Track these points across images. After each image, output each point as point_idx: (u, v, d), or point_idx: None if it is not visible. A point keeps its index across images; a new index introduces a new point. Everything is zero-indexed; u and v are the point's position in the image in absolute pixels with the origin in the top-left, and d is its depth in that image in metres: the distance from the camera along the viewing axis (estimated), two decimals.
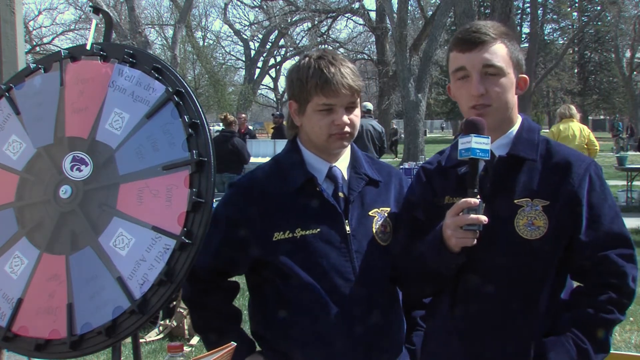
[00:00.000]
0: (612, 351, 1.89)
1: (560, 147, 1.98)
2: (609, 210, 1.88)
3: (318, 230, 2.00)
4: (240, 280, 2.24)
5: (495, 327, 1.88)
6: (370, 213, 2.07)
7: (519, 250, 1.86)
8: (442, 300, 2.00)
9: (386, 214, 2.10)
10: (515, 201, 1.87)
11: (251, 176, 2.18)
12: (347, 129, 2.01)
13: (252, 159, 13.68)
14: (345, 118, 1.99)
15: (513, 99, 1.92)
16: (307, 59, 2.05)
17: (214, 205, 2.06)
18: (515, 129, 1.96)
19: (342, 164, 2.10)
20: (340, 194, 2.05)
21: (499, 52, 1.87)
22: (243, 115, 16.15)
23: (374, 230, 2.06)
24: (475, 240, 1.79)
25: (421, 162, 13.06)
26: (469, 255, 1.84)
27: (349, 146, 2.14)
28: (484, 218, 1.76)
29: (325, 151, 2.07)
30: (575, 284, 1.98)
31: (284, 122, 17.10)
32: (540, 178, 1.88)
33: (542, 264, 1.87)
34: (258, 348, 2.16)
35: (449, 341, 1.95)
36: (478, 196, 1.78)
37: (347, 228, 2.02)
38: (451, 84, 1.97)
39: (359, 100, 2.06)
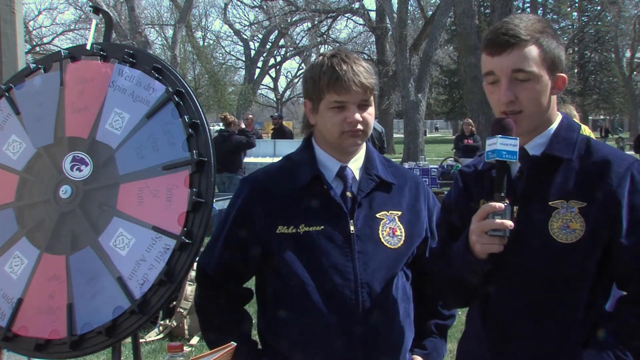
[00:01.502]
0: None
1: (600, 146, 1.84)
2: None
3: (322, 227, 1.99)
4: (250, 282, 2.21)
5: (528, 335, 1.79)
6: (377, 215, 2.05)
7: (554, 255, 1.75)
8: (475, 306, 1.93)
9: (396, 218, 2.08)
10: (550, 203, 1.76)
11: (262, 172, 2.18)
12: (359, 126, 2.00)
13: (252, 159, 13.71)
14: (358, 115, 1.98)
15: (547, 101, 1.80)
16: (320, 57, 2.06)
17: (215, 205, 2.05)
18: (553, 127, 1.84)
19: (355, 164, 2.09)
20: (348, 194, 2.04)
21: (530, 55, 1.74)
22: (250, 115, 16.19)
23: (381, 233, 2.05)
24: (502, 246, 1.70)
25: (421, 162, 12.99)
26: (501, 260, 1.74)
27: (365, 146, 2.13)
28: (509, 223, 1.67)
29: (338, 149, 2.06)
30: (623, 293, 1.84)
31: (283, 123, 17.16)
32: (577, 178, 1.77)
33: (579, 270, 1.75)
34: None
35: (481, 348, 1.88)
36: (506, 200, 1.69)
37: (352, 228, 2.01)
38: (484, 86, 1.87)
39: (372, 98, 2.04)
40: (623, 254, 1.73)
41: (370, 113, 2.03)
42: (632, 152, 15.59)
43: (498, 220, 1.67)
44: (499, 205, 1.67)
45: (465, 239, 1.77)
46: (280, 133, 16.15)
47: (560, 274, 1.75)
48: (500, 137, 1.71)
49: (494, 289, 1.83)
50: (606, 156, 1.78)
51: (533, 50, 1.75)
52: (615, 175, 1.74)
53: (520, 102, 1.75)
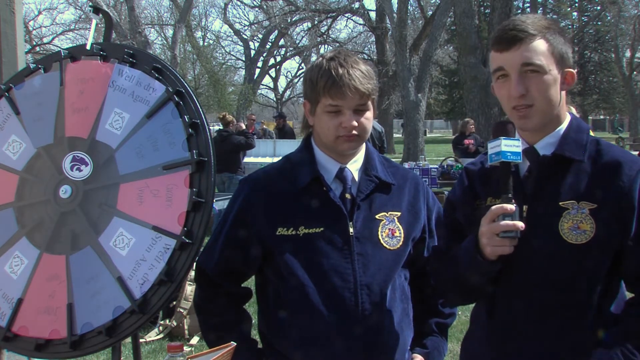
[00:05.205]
0: None
1: (611, 147, 1.85)
2: None
3: (321, 229, 1.99)
4: (250, 282, 2.21)
5: (534, 336, 1.79)
6: (377, 216, 2.05)
7: (563, 255, 1.75)
8: (481, 305, 1.94)
9: (396, 218, 2.07)
10: (561, 203, 1.76)
11: (262, 173, 2.18)
12: (354, 131, 1.98)
13: (252, 159, 13.70)
14: (354, 121, 1.97)
15: (558, 96, 1.79)
16: (320, 59, 2.05)
17: (215, 205, 2.06)
18: (563, 127, 1.84)
19: (355, 165, 2.09)
20: (348, 195, 2.04)
21: (539, 49, 1.75)
22: (253, 116, 16.21)
23: (380, 234, 2.05)
24: (512, 247, 1.71)
25: (421, 162, 12.96)
26: (510, 260, 1.74)
27: (364, 147, 2.12)
28: (520, 224, 1.68)
29: (335, 151, 2.06)
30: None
31: (286, 122, 17.10)
32: (588, 180, 1.77)
33: (588, 271, 1.75)
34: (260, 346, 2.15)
35: (486, 348, 1.89)
36: (513, 201, 1.70)
37: (351, 230, 2.01)
38: (493, 84, 1.88)
39: (370, 102, 2.02)
40: (632, 257, 1.74)
41: (367, 118, 2.01)
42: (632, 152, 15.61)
43: (509, 222, 1.68)
44: (510, 207, 1.69)
45: (473, 241, 1.76)
46: (282, 132, 16.13)
47: (569, 274, 1.76)
48: (504, 139, 1.73)
49: (500, 289, 1.83)
50: (617, 158, 1.79)
51: (541, 45, 1.76)
52: (626, 177, 1.74)
53: (531, 95, 1.76)
